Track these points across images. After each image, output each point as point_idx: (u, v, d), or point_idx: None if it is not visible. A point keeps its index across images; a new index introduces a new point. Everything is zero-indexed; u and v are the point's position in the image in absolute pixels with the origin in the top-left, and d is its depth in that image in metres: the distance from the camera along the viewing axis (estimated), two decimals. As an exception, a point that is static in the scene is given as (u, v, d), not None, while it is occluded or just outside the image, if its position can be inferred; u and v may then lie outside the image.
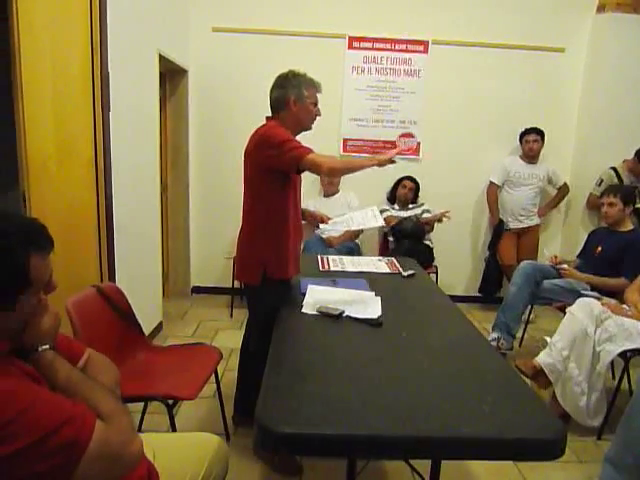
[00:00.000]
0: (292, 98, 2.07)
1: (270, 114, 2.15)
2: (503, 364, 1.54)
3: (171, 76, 4.00)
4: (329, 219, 2.46)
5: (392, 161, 1.98)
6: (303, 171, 2.01)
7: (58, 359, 1.01)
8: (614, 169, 3.97)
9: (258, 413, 1.15)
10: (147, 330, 3.00)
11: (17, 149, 1.99)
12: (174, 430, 1.87)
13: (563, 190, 4.31)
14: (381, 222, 2.27)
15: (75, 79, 2.33)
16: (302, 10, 4.10)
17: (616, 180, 3.90)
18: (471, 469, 2.19)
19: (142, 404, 2.26)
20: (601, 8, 4.07)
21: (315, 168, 1.94)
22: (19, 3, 1.87)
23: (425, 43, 4.18)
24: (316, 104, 2.14)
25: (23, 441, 0.81)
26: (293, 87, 2.07)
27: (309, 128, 2.17)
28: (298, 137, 2.11)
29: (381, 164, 1.95)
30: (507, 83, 4.26)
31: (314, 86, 2.13)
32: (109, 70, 2.52)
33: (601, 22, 4.08)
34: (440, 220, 3.90)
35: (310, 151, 1.93)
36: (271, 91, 2.13)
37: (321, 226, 2.48)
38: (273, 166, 1.98)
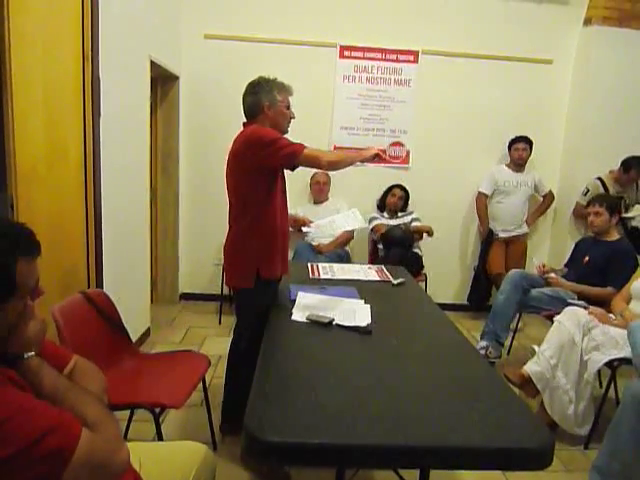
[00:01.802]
0: (266, 103, 2.09)
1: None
2: (492, 373, 1.54)
3: (162, 82, 3.99)
4: (311, 222, 2.47)
5: (377, 156, 2.06)
6: (297, 167, 2.03)
7: (44, 366, 0.99)
8: (600, 179, 4.03)
9: (246, 421, 1.14)
10: (134, 336, 2.97)
11: (5, 153, 1.96)
12: (160, 439, 1.84)
13: (548, 198, 4.36)
14: (363, 223, 2.31)
15: (66, 83, 2.32)
16: (294, 19, 4.12)
17: (602, 190, 3.96)
18: (460, 478, 2.19)
19: (128, 412, 2.23)
20: (588, 21, 4.15)
21: (315, 162, 1.97)
22: (10, 7, 1.86)
23: (415, 53, 4.22)
24: (289, 107, 2.16)
25: (7, 450, 0.80)
26: (266, 92, 2.10)
27: (286, 132, 2.18)
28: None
29: (365, 160, 2.04)
30: (496, 93, 4.32)
31: (286, 90, 2.15)
32: (100, 75, 2.51)
33: (588, 35, 4.16)
34: (429, 234, 3.94)
35: (304, 147, 1.95)
36: (244, 99, 2.16)
37: (304, 229, 2.50)
38: (265, 164, 1.98)
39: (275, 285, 2.22)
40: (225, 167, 2.14)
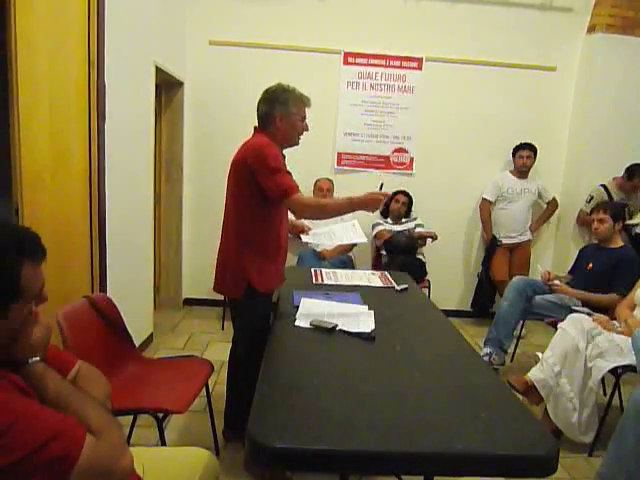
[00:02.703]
0: (279, 115, 2.06)
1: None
2: (496, 380, 1.54)
3: (167, 88, 4.02)
4: (309, 229, 2.46)
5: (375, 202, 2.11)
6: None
7: (49, 372, 0.99)
8: (604, 186, 4.03)
9: (250, 427, 1.14)
10: (137, 342, 2.97)
11: (11, 159, 1.98)
12: (163, 444, 1.84)
13: (552, 205, 4.36)
14: (363, 238, 2.28)
15: (71, 90, 2.34)
16: (298, 25, 4.14)
17: (606, 197, 3.96)
18: (463, 485, 2.17)
19: (131, 417, 2.22)
20: (591, 29, 4.16)
21: (293, 211, 2.04)
22: (17, 13, 1.88)
23: (419, 60, 4.23)
24: (304, 119, 2.13)
25: (11, 456, 0.80)
26: (280, 104, 2.06)
27: (296, 143, 2.16)
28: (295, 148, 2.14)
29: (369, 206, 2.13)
30: (499, 100, 4.32)
31: (302, 101, 2.11)
32: (105, 81, 2.52)
33: (591, 42, 4.17)
34: (432, 238, 3.95)
35: (296, 191, 1.97)
36: (259, 105, 2.12)
37: (303, 238, 2.48)
38: (258, 184, 1.98)
39: (268, 297, 2.18)
40: (228, 171, 2.13)
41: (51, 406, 0.93)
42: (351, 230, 2.29)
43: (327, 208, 2.10)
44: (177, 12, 3.87)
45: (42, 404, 0.93)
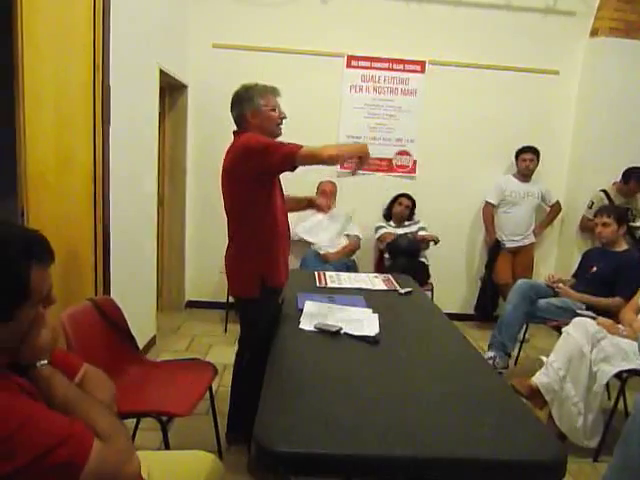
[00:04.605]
0: (248, 113, 2.08)
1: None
2: (502, 384, 1.54)
3: (171, 91, 4.02)
4: (329, 208, 2.48)
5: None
6: (297, 167, 1.95)
7: (56, 375, 0.99)
8: (604, 191, 4.02)
9: (256, 431, 1.14)
10: (140, 344, 2.96)
11: (17, 160, 1.98)
12: (167, 447, 1.83)
13: (556, 208, 4.35)
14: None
15: (76, 92, 2.34)
16: (302, 28, 4.15)
17: (607, 202, 3.95)
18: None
19: (134, 420, 2.22)
20: (594, 32, 4.16)
21: (314, 159, 1.91)
22: (24, 16, 1.88)
23: (422, 63, 4.24)
24: (275, 108, 2.12)
25: (19, 460, 0.79)
26: (247, 101, 2.08)
27: (277, 134, 2.13)
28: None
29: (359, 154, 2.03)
30: (502, 104, 4.32)
31: (269, 92, 2.12)
32: (110, 84, 2.53)
33: (594, 46, 4.17)
34: (435, 242, 3.94)
35: (301, 146, 1.89)
36: (230, 111, 2.15)
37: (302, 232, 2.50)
38: (263, 171, 1.96)
39: (279, 293, 2.20)
40: (220, 179, 2.12)
41: (58, 410, 0.92)
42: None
43: (337, 147, 2.14)
44: (180, 15, 3.88)
45: (49, 408, 0.92)
